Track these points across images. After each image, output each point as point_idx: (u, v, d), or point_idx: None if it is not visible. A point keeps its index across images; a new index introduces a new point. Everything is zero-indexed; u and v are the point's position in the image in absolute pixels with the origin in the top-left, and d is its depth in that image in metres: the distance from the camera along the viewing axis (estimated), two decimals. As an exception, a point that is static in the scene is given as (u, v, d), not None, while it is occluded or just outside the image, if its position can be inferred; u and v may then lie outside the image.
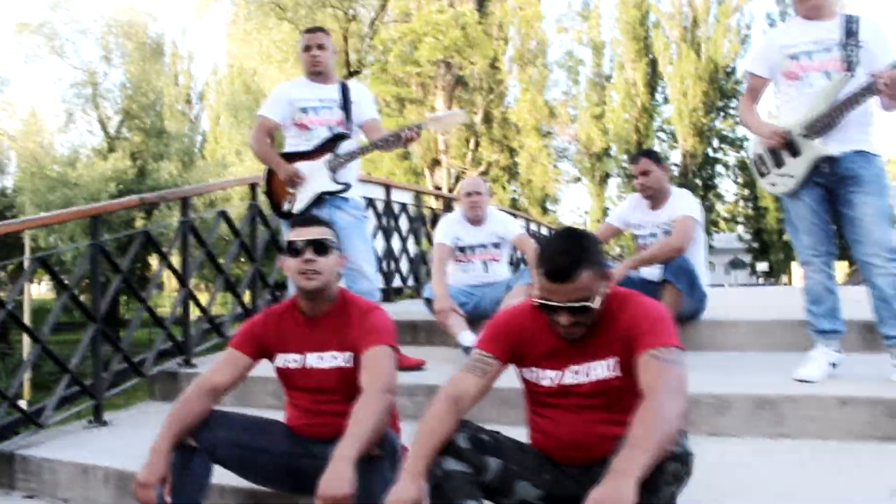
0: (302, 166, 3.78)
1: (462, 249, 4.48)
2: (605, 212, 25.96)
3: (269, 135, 3.93)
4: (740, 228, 33.54)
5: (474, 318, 4.23)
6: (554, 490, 2.07)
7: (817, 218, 3.24)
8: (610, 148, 26.46)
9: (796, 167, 3.22)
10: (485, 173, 21.98)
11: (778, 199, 3.53)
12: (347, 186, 3.81)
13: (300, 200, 3.81)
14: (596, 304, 1.95)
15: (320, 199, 3.80)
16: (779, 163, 3.27)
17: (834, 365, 3.26)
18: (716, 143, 30.16)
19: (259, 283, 5.08)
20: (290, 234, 2.47)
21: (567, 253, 1.93)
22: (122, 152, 20.22)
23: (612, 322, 2.01)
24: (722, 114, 29.37)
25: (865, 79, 3.05)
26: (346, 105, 3.87)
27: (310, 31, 3.97)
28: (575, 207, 44.07)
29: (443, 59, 18.40)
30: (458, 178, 21.20)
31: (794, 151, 3.21)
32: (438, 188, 21.13)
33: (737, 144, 29.97)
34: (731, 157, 31.01)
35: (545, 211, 23.66)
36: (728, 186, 34.56)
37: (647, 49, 27.57)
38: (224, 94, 28.56)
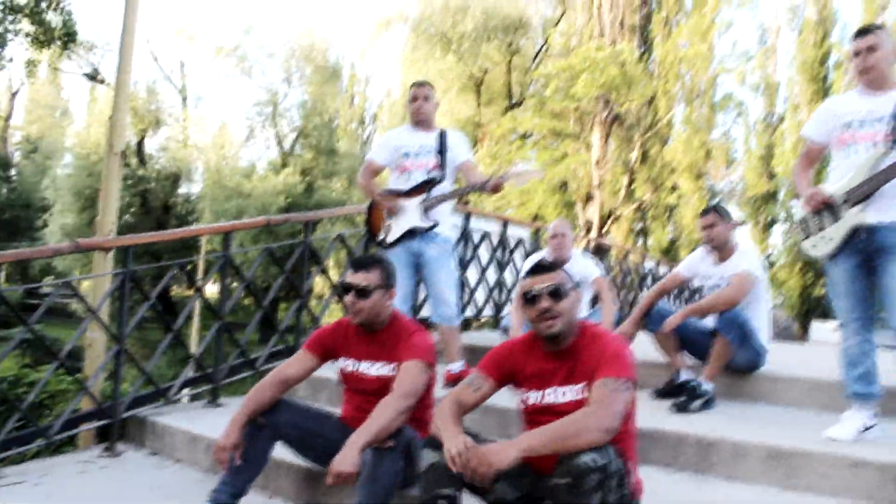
0: (400, 203, 4.38)
1: (544, 287, 4.89)
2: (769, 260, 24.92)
3: (374, 175, 4.55)
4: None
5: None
6: (534, 492, 2.50)
7: (854, 284, 3.38)
8: (778, 192, 25.36)
9: (836, 232, 3.38)
10: (640, 211, 21.84)
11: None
12: (435, 224, 4.35)
13: (394, 233, 4.40)
14: (568, 296, 2.50)
15: (412, 233, 4.38)
16: (822, 226, 3.46)
17: (867, 428, 3.37)
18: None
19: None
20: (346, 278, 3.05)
21: (545, 262, 2.63)
22: (293, 168, 22.05)
23: (584, 353, 2.49)
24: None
25: None
26: (442, 151, 4.42)
27: (417, 84, 4.53)
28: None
29: (600, 95, 18.66)
30: (609, 215, 21.27)
31: (836, 216, 3.39)
32: (589, 223, 21.31)
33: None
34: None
35: None
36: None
37: (826, 91, 26.19)
38: (396, 116, 30.24)
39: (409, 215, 4.36)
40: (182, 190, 24.73)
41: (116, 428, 4.08)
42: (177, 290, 23.59)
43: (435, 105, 4.52)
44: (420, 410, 2.85)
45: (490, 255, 6.97)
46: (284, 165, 23.57)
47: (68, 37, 8.58)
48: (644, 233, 23.99)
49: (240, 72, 26.87)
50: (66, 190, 23.08)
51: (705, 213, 4.28)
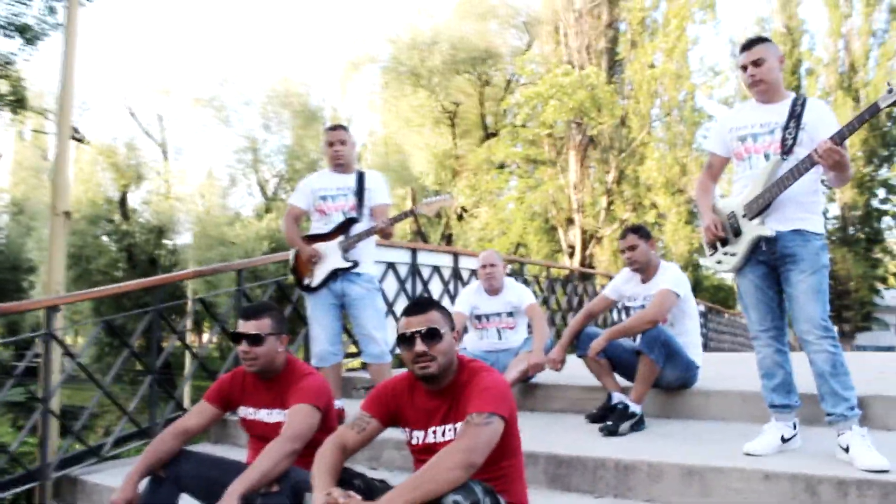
0: (319, 247, 4.38)
1: (479, 317, 4.90)
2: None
3: (296, 220, 4.57)
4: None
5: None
6: None
7: (762, 294, 3.38)
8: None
9: (738, 246, 3.39)
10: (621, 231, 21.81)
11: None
12: (356, 264, 4.35)
13: (317, 276, 4.40)
14: (443, 338, 2.44)
15: (335, 275, 4.37)
16: (724, 241, 3.46)
17: (785, 439, 3.34)
18: (882, 193, 28.14)
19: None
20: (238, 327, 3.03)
21: (422, 299, 2.63)
22: (276, 213, 22.15)
23: (463, 391, 2.44)
24: (887, 163, 27.40)
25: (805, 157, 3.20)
26: (360, 192, 4.44)
27: (332, 128, 4.56)
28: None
29: (572, 119, 18.78)
30: (591, 237, 21.28)
31: (737, 231, 3.40)
32: (571, 247, 21.32)
33: (906, 194, 27.79)
34: (901, 207, 28.72)
35: (696, 285, 22.31)
36: (900, 240, 31.90)
37: (800, 98, 26.35)
38: (379, 156, 30.41)
39: (330, 257, 4.36)
40: (167, 241, 24.79)
41: (44, 490, 4.03)
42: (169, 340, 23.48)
43: (352, 146, 4.54)
44: (314, 452, 2.81)
45: (442, 288, 6.96)
46: (268, 211, 23.68)
47: (18, 103, 8.67)
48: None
49: (218, 121, 27.13)
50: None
51: (625, 234, 4.29)
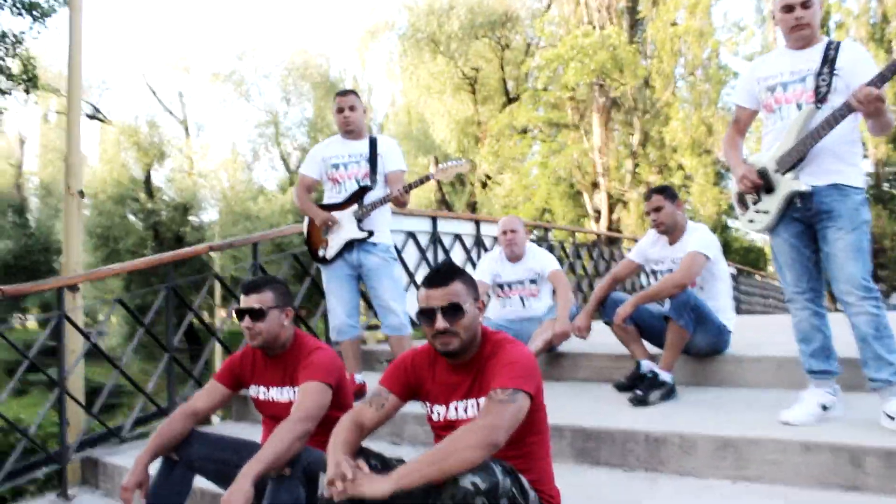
0: (334, 215, 4.24)
1: (501, 286, 4.74)
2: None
3: (308, 190, 4.42)
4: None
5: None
6: None
7: (797, 253, 3.18)
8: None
9: (771, 203, 3.18)
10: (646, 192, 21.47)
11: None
12: (371, 233, 4.21)
13: (332, 247, 4.26)
14: (467, 313, 2.26)
15: (350, 245, 4.24)
16: (756, 199, 3.26)
17: (825, 407, 3.16)
18: (918, 147, 27.30)
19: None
20: (240, 302, 2.90)
21: (444, 268, 2.36)
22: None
23: (486, 365, 2.29)
24: (922, 115, 26.54)
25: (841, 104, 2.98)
26: (373, 158, 4.28)
27: (341, 93, 4.39)
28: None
29: (594, 81, 18.39)
30: (617, 201, 20.97)
31: (769, 187, 3.19)
32: (597, 211, 21.03)
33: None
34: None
35: (726, 247, 21.79)
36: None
37: (829, 52, 25.53)
38: (402, 123, 30.19)
39: (345, 227, 4.22)
40: (193, 218, 24.91)
41: (66, 473, 3.98)
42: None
43: (363, 112, 4.38)
44: (328, 431, 2.70)
45: (465, 256, 6.81)
46: (292, 184, 23.63)
47: (30, 81, 8.62)
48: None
49: (238, 96, 27.15)
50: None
51: (650, 195, 4.09)
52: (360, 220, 4.20)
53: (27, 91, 8.78)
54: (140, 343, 4.94)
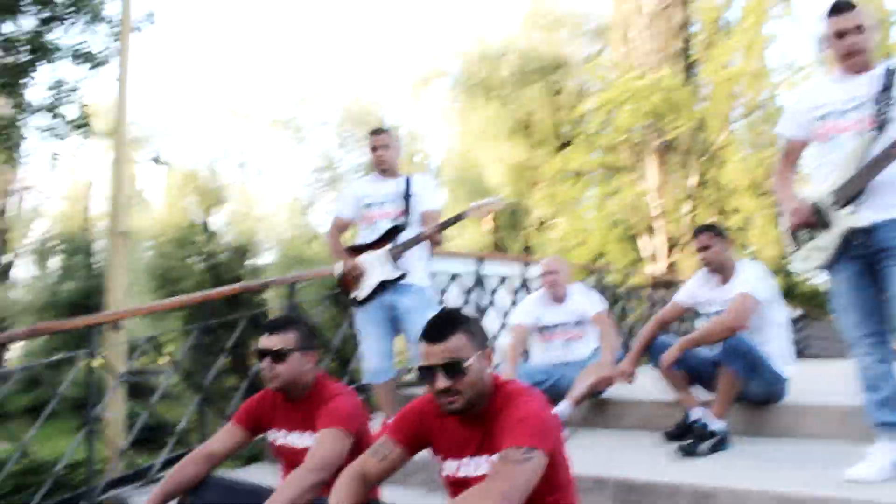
0: (365, 257, 4.13)
1: (543, 329, 4.55)
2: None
3: (341, 231, 4.34)
4: None
5: (553, 397, 4.26)
6: None
7: (858, 294, 2.92)
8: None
9: (827, 240, 2.95)
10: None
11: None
12: (404, 274, 4.08)
13: (365, 289, 4.14)
14: (469, 370, 2.05)
15: (384, 286, 4.11)
16: (810, 236, 3.02)
17: None
18: None
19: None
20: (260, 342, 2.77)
21: (444, 318, 2.14)
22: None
23: (498, 418, 2.09)
24: None
25: None
26: (407, 197, 4.17)
27: (374, 132, 4.32)
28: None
29: (649, 123, 18.14)
30: (674, 244, 20.49)
31: (825, 223, 2.95)
32: (654, 255, 20.55)
33: None
34: None
35: (790, 289, 20.79)
36: None
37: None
38: (455, 169, 30.25)
39: (377, 268, 4.10)
40: (250, 261, 25.27)
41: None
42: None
43: (397, 150, 4.29)
44: None
45: (510, 299, 6.63)
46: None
47: (84, 127, 8.88)
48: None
49: (296, 141, 27.73)
50: (141, 272, 23.87)
51: (697, 233, 3.87)
52: (393, 260, 4.08)
53: (84, 136, 9.06)
54: (195, 382, 4.84)
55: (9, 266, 29.58)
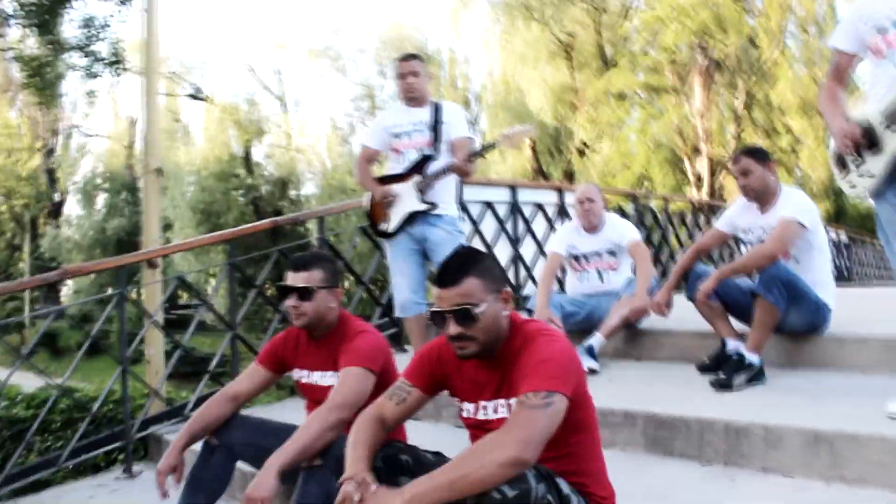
0: (394, 188, 4.04)
1: (577, 258, 4.44)
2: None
3: (369, 161, 4.23)
4: None
5: (586, 328, 4.20)
6: None
7: None
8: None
9: (877, 164, 2.75)
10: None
11: None
12: (434, 206, 3.98)
13: (393, 221, 4.06)
14: (482, 316, 1.97)
15: (413, 218, 4.03)
16: (858, 160, 2.83)
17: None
18: None
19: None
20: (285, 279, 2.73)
21: (456, 261, 2.03)
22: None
23: (516, 360, 1.99)
24: None
25: None
26: (436, 126, 4.04)
27: (403, 58, 4.17)
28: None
29: (695, 42, 17.45)
30: (720, 166, 19.97)
31: (875, 145, 2.75)
32: (699, 178, 20.08)
33: None
34: None
35: (839, 213, 20.14)
36: None
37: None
38: (500, 93, 29.66)
39: (406, 199, 4.01)
40: (292, 193, 25.40)
41: (130, 450, 3.99)
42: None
43: (426, 77, 4.14)
44: None
45: (546, 227, 6.51)
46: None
47: (118, 63, 8.82)
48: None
49: (334, 71, 27.44)
50: (184, 207, 24.21)
51: (738, 157, 3.67)
52: (422, 192, 3.98)
53: (118, 74, 9.04)
54: (244, 315, 4.86)
55: (60, 204, 30.32)
